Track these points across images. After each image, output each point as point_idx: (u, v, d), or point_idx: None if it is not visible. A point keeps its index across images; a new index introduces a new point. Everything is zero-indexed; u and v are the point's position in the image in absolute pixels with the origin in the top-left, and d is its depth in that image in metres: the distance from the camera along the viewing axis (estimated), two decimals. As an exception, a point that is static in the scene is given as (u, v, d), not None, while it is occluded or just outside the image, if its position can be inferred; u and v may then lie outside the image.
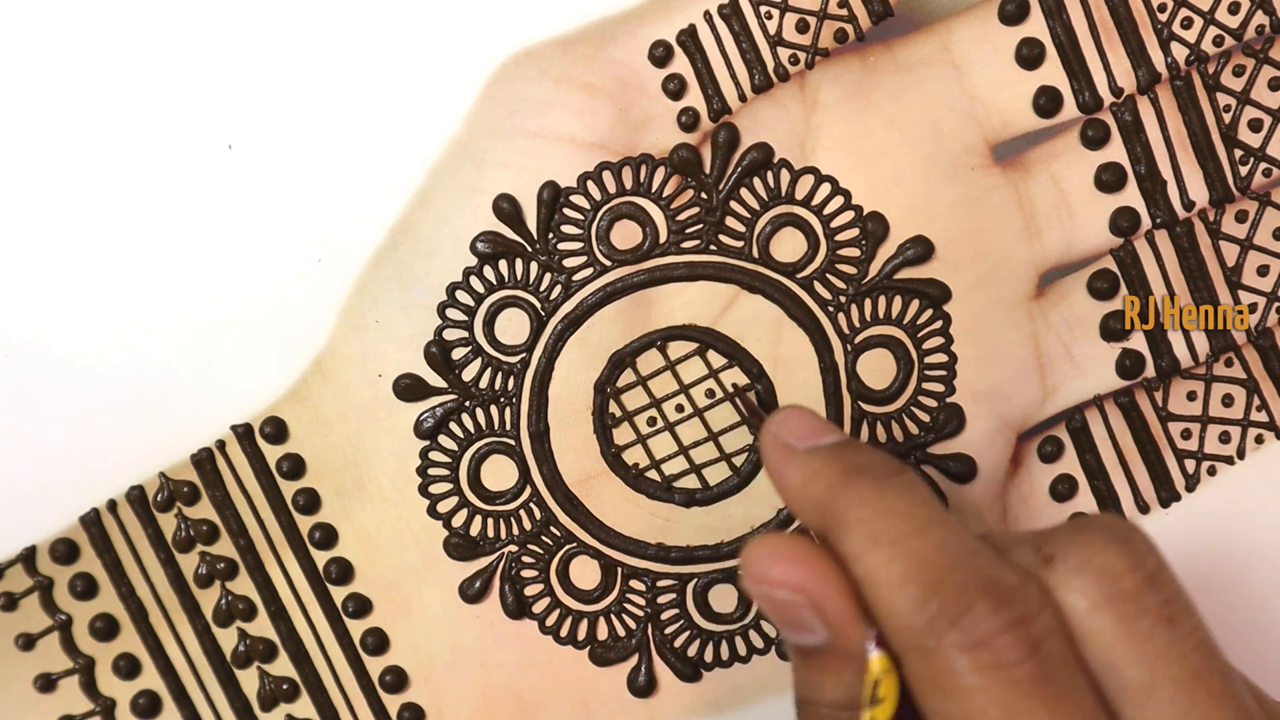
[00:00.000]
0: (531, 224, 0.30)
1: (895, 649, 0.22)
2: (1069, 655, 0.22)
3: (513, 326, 0.30)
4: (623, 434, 0.31)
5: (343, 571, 0.31)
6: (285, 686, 0.31)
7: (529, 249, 0.30)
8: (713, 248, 0.30)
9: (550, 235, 0.30)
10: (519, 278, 0.30)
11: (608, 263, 0.30)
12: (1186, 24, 0.30)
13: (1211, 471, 0.31)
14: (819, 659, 0.23)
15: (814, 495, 0.24)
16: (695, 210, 0.30)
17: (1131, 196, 0.30)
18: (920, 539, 0.22)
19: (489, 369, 0.30)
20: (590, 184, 0.30)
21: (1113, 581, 0.22)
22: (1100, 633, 0.22)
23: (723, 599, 0.31)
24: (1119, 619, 0.22)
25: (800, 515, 0.24)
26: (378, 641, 0.31)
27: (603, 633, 0.31)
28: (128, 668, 0.31)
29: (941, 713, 0.22)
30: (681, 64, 0.30)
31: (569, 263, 0.30)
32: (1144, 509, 0.31)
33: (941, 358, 0.30)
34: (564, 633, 0.31)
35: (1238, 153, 0.30)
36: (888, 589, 0.22)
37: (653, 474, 0.31)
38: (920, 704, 0.22)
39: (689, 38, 0.30)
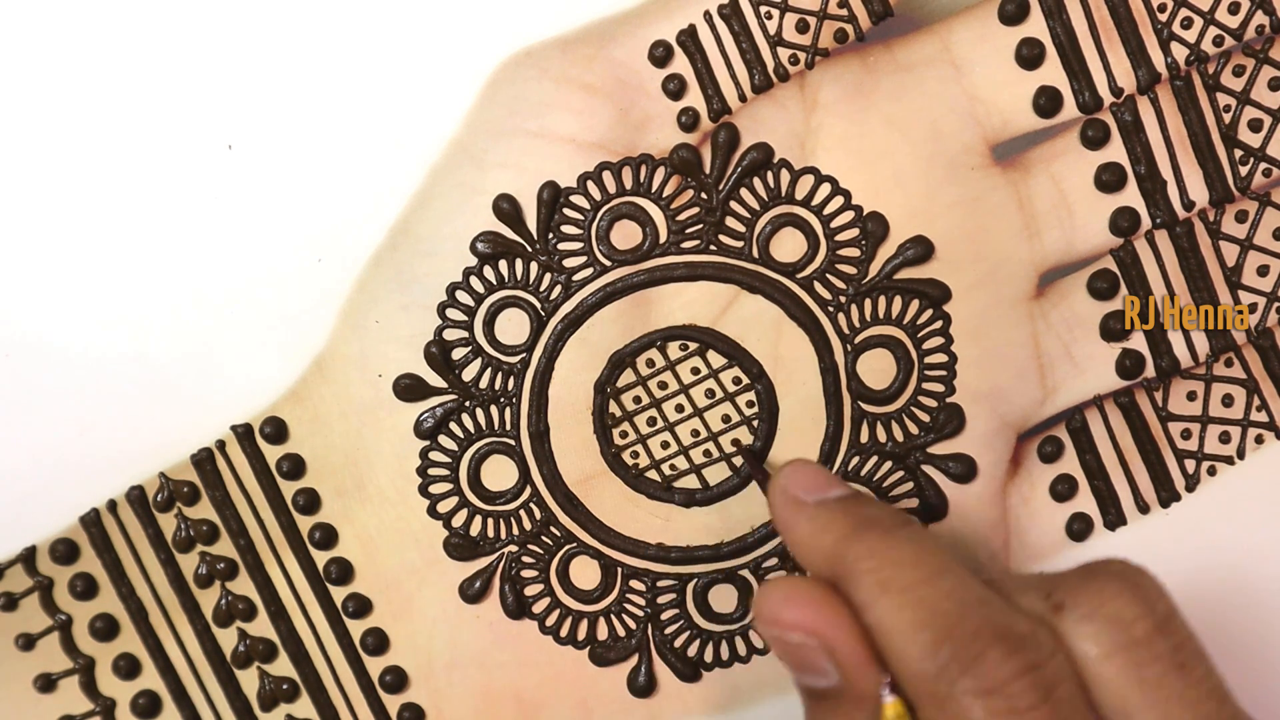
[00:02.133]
0: (531, 224, 0.30)
1: (909, 695, 0.23)
2: (1081, 701, 0.22)
3: (513, 326, 0.30)
4: (623, 434, 0.31)
5: (343, 571, 0.31)
6: (285, 686, 0.31)
7: (529, 249, 0.30)
8: (713, 248, 0.30)
9: (550, 235, 0.30)
10: (519, 278, 0.30)
11: (608, 263, 0.30)
12: (1186, 24, 0.30)
13: (1211, 471, 0.31)
14: (830, 702, 0.24)
15: (823, 547, 0.24)
16: (695, 210, 0.30)
17: (1131, 196, 0.30)
18: (930, 587, 0.23)
19: (489, 369, 0.30)
20: (590, 184, 0.30)
21: (1123, 629, 0.23)
22: (1111, 680, 0.23)
23: (723, 599, 0.31)
24: (1130, 666, 0.23)
25: (810, 567, 0.25)
26: (378, 641, 0.31)
27: (603, 633, 0.31)
28: (128, 668, 0.31)
29: None
30: (681, 64, 0.30)
31: (569, 263, 0.30)
32: (1144, 509, 0.31)
33: (941, 358, 0.30)
34: (564, 633, 0.31)
35: (1238, 153, 0.30)
36: (899, 636, 0.23)
37: (653, 474, 0.31)
38: None
39: (689, 38, 0.30)
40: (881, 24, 0.30)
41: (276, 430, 0.31)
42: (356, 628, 0.31)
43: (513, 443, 0.31)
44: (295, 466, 0.31)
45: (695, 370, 0.31)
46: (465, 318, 0.30)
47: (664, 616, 0.31)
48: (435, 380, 0.30)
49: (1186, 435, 0.31)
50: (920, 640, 0.22)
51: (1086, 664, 0.23)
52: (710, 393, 0.31)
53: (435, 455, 0.31)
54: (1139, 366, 0.31)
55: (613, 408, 0.31)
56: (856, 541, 0.24)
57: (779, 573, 0.31)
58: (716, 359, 0.31)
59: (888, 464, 0.31)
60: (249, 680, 0.31)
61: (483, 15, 0.30)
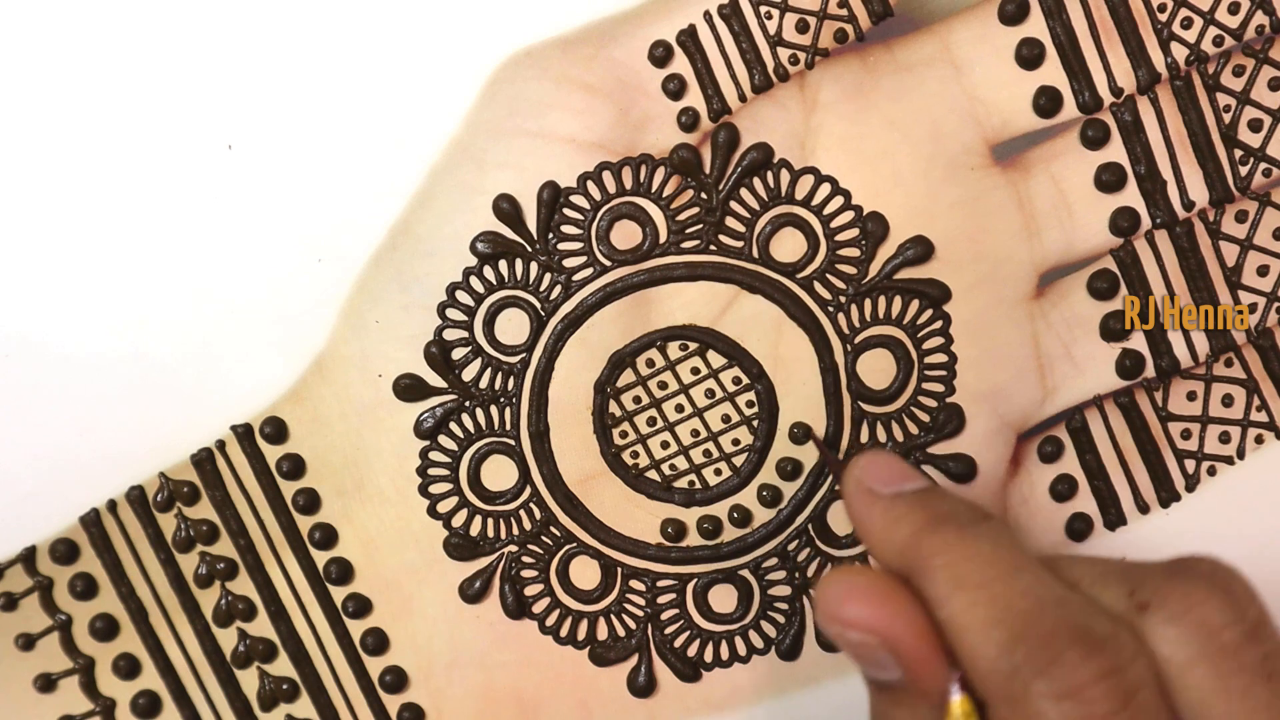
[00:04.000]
0: (531, 224, 0.30)
1: (980, 694, 0.22)
2: (1162, 707, 0.22)
3: (513, 326, 0.30)
4: (623, 434, 0.31)
5: (343, 571, 0.31)
6: (285, 686, 0.31)
7: (529, 249, 0.30)
8: (713, 248, 0.30)
9: (550, 235, 0.30)
10: (519, 278, 0.30)
11: (608, 263, 0.30)
12: (1186, 24, 0.30)
13: (1211, 471, 0.31)
14: (894, 694, 0.23)
15: (897, 540, 0.24)
16: (695, 210, 0.30)
17: (1131, 196, 0.30)
18: (1006, 584, 0.22)
19: (489, 369, 0.30)
20: (590, 184, 0.30)
21: (1212, 635, 0.22)
22: (1196, 688, 0.22)
23: (722, 599, 0.31)
24: (1217, 675, 0.22)
25: (882, 559, 0.24)
26: (378, 641, 0.31)
27: (603, 633, 0.31)
28: (128, 668, 0.31)
29: None
30: (681, 64, 0.30)
31: (569, 263, 0.30)
32: (1144, 509, 0.31)
33: (941, 358, 0.30)
34: (564, 633, 0.31)
35: (1238, 153, 0.30)
36: (973, 633, 0.22)
37: (653, 474, 0.31)
38: None
39: (689, 38, 0.30)
40: (881, 24, 0.30)
41: (276, 430, 0.31)
42: (356, 628, 0.31)
43: (513, 443, 0.31)
44: (295, 466, 0.31)
45: (695, 370, 0.31)
46: (465, 318, 0.30)
47: (664, 616, 0.31)
48: (435, 380, 0.30)
49: (1186, 435, 0.31)
50: (994, 638, 0.22)
51: (1169, 668, 0.22)
52: (710, 393, 0.31)
53: (435, 455, 0.31)
54: (1139, 366, 0.31)
55: (613, 408, 0.31)
56: (931, 535, 0.23)
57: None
58: (716, 359, 0.31)
59: (888, 464, 0.31)
60: (249, 680, 0.31)
61: (483, 15, 0.30)
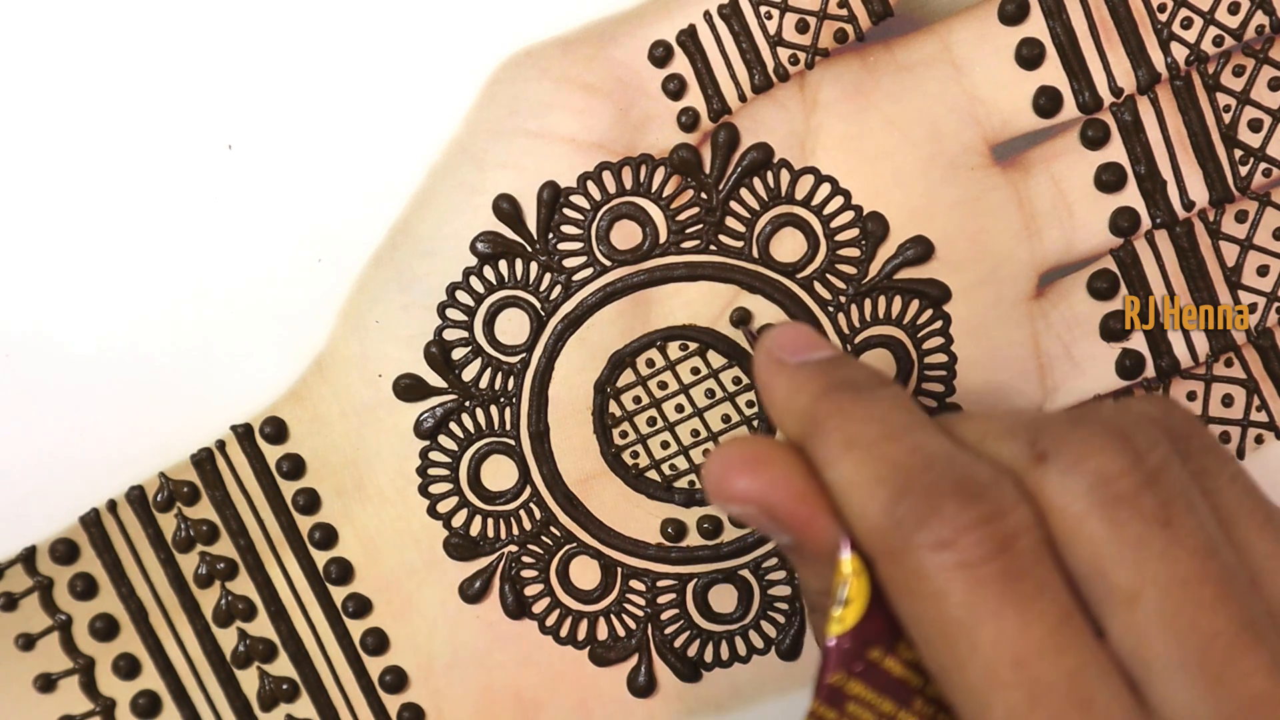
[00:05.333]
0: (531, 224, 0.30)
1: (867, 553, 0.22)
2: (1044, 554, 0.21)
3: (513, 326, 0.30)
4: (623, 434, 0.31)
5: (343, 571, 0.31)
6: (285, 686, 0.31)
7: (529, 249, 0.30)
8: (713, 248, 0.30)
9: (550, 235, 0.30)
10: (519, 278, 0.30)
11: (608, 263, 0.30)
12: (1186, 24, 0.30)
13: (1211, 471, 0.31)
14: (795, 555, 0.23)
15: (797, 407, 0.24)
16: (695, 210, 0.30)
17: (1131, 196, 0.30)
18: (895, 443, 0.22)
19: (489, 369, 0.30)
20: (590, 184, 0.30)
21: (1107, 484, 0.21)
22: (1089, 537, 0.21)
23: (723, 599, 0.31)
24: (1110, 523, 0.21)
25: (784, 428, 0.24)
26: (378, 641, 0.31)
27: (603, 633, 0.31)
28: (128, 668, 0.31)
29: (913, 616, 0.21)
30: (681, 64, 0.30)
31: (569, 263, 0.30)
32: (1144, 509, 0.31)
33: (941, 358, 0.30)
34: (564, 633, 0.31)
35: (1238, 153, 0.30)
36: (860, 491, 0.22)
37: (653, 474, 0.31)
38: (895, 609, 0.22)
39: (689, 38, 0.30)
40: (881, 24, 0.30)
41: (276, 430, 0.31)
42: (356, 628, 0.31)
43: (513, 443, 0.31)
44: (295, 466, 0.31)
45: (695, 370, 0.31)
46: (465, 318, 0.30)
47: (664, 616, 0.31)
48: (435, 380, 0.30)
49: (1186, 435, 0.31)
50: (879, 495, 0.21)
51: (1066, 518, 0.21)
52: (710, 393, 0.31)
53: (435, 455, 0.31)
54: (1139, 366, 0.31)
55: (613, 408, 0.31)
56: (827, 400, 0.23)
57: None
58: (716, 359, 0.31)
59: (888, 464, 0.31)
60: (249, 680, 0.31)
61: (483, 15, 0.30)
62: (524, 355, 0.30)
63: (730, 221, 0.30)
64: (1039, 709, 0.20)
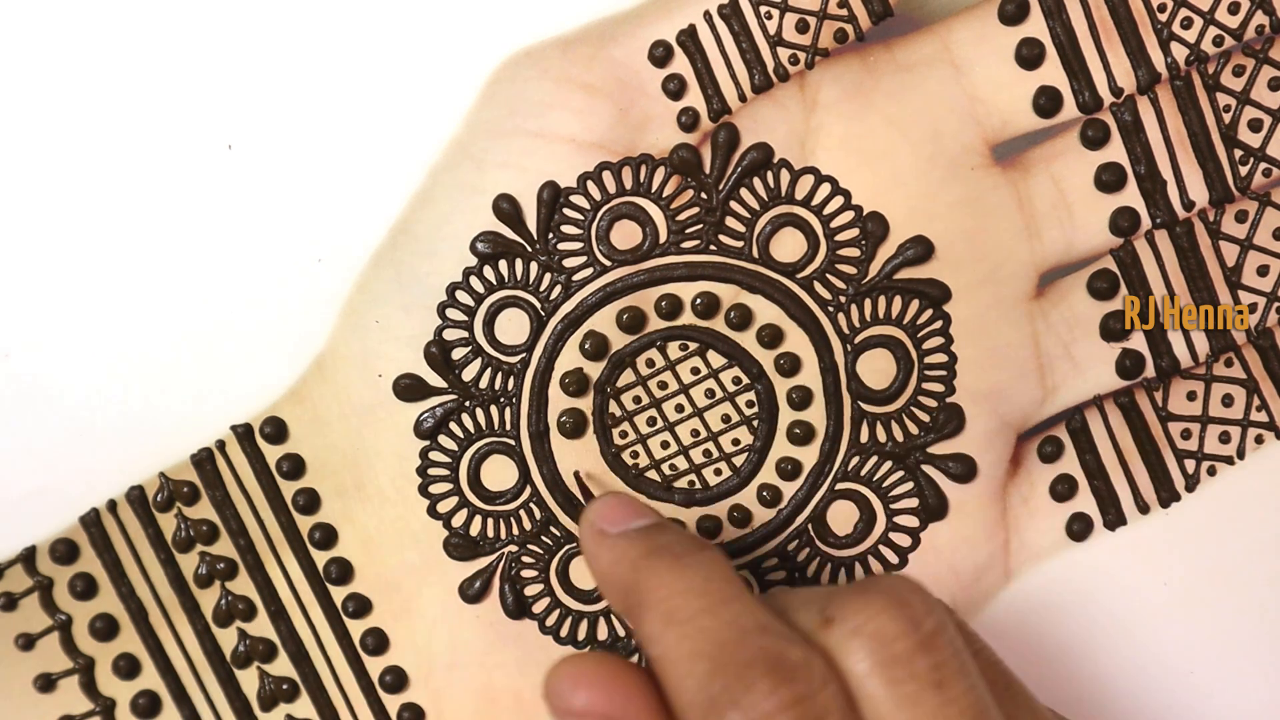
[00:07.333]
0: (531, 224, 0.30)
1: None
2: None
3: (513, 326, 0.30)
4: (622, 434, 0.31)
5: (343, 571, 0.31)
6: (285, 686, 0.31)
7: (529, 249, 0.30)
8: (713, 248, 0.30)
9: (550, 235, 0.30)
10: (519, 278, 0.30)
11: (608, 263, 0.30)
12: (1186, 24, 0.30)
13: (1211, 471, 0.31)
14: None
15: (619, 578, 0.25)
16: (695, 210, 0.30)
17: (1131, 196, 0.30)
18: (713, 616, 0.23)
19: (489, 369, 0.30)
20: (590, 184, 0.30)
21: (885, 645, 0.23)
22: (871, 697, 0.23)
23: (723, 599, 0.31)
24: (889, 683, 0.23)
25: (609, 599, 0.25)
26: (378, 641, 0.31)
27: (603, 633, 0.31)
28: (128, 668, 0.31)
29: None
30: (681, 64, 0.30)
31: (569, 263, 0.30)
32: (1144, 509, 0.31)
33: (941, 358, 0.30)
34: (564, 633, 0.31)
35: (1238, 153, 0.30)
36: (678, 667, 0.23)
37: (653, 474, 0.31)
38: None
39: (689, 38, 0.30)
40: (881, 24, 0.30)
41: (276, 430, 0.31)
42: (356, 628, 0.31)
43: (513, 443, 0.31)
44: (295, 466, 0.31)
45: (695, 370, 0.31)
46: (465, 318, 0.30)
47: (664, 616, 0.31)
48: (435, 380, 0.30)
49: (1186, 435, 0.31)
50: (695, 672, 0.22)
51: (853, 680, 0.23)
52: (710, 393, 0.31)
53: (435, 455, 0.31)
54: (1139, 366, 0.31)
55: (613, 408, 0.31)
56: (647, 570, 0.24)
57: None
58: (716, 359, 0.31)
59: (887, 464, 0.31)
60: (249, 680, 0.31)
61: (483, 15, 0.30)
62: (524, 355, 0.30)
63: (730, 221, 0.30)
64: None
